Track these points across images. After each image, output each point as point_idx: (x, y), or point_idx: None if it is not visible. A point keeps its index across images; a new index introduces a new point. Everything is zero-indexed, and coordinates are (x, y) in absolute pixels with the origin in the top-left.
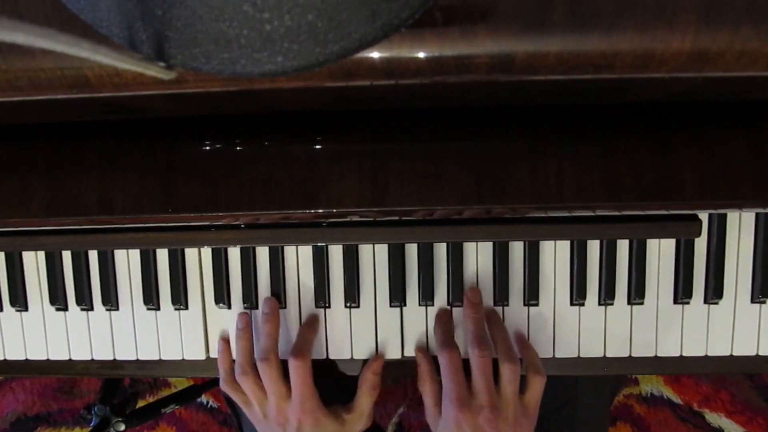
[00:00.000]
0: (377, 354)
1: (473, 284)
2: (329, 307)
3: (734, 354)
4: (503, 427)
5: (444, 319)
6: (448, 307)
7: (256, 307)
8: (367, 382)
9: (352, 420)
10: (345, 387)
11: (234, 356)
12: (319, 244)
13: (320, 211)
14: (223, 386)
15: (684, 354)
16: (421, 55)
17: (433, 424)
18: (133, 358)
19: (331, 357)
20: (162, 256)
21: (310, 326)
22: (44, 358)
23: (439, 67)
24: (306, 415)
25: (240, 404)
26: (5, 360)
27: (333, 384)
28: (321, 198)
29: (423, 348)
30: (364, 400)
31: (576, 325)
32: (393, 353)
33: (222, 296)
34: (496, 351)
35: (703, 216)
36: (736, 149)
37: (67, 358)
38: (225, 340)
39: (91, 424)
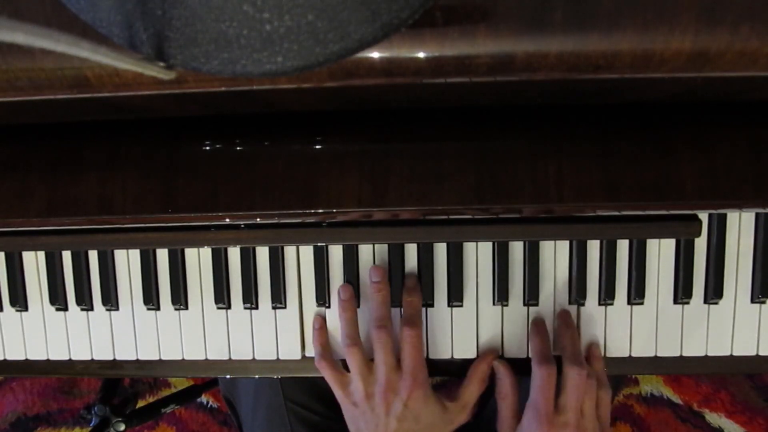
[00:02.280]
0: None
1: (474, 285)
2: (329, 307)
3: (734, 354)
4: None
5: (542, 330)
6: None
7: (257, 308)
8: (479, 373)
9: (455, 409)
10: None
11: (339, 329)
12: (319, 244)
13: (320, 211)
14: (319, 363)
15: (684, 354)
16: (421, 55)
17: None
18: (133, 358)
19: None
20: (162, 256)
21: (415, 293)
22: (44, 358)
23: (439, 67)
24: (417, 388)
25: (334, 384)
26: (5, 360)
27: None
28: (321, 198)
29: (504, 363)
30: (471, 389)
31: (576, 325)
32: None
33: (222, 296)
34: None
35: (703, 216)
36: (736, 149)
37: (67, 358)
38: (321, 317)
39: (91, 424)
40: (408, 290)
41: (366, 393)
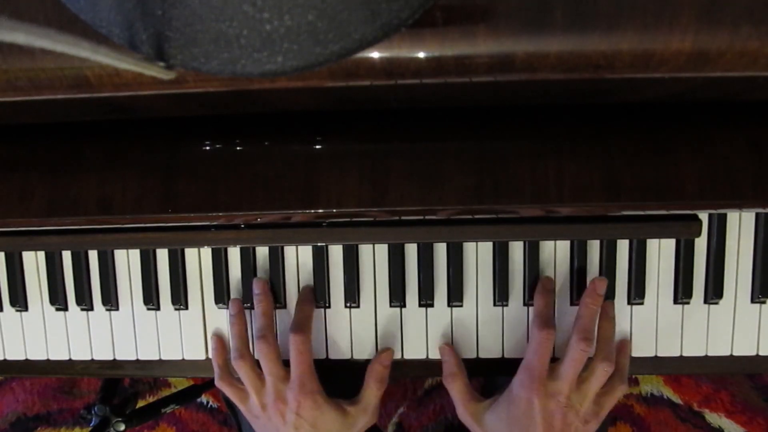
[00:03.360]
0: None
1: (473, 283)
2: (329, 307)
3: (734, 354)
4: (572, 419)
5: (548, 291)
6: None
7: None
8: (374, 374)
9: (356, 413)
10: (344, 389)
11: (230, 346)
12: (319, 244)
13: (320, 211)
14: (218, 382)
15: (684, 354)
16: (421, 55)
17: (470, 418)
18: (133, 358)
19: (331, 357)
20: (162, 256)
21: (307, 300)
22: (44, 358)
23: (439, 67)
24: (306, 397)
25: (236, 401)
26: (5, 360)
27: (333, 387)
28: (321, 198)
29: (447, 344)
30: (371, 392)
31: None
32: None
33: (222, 296)
34: (597, 347)
35: (703, 216)
36: (736, 149)
37: (67, 358)
38: (218, 336)
39: (91, 424)
40: (302, 300)
41: (261, 405)
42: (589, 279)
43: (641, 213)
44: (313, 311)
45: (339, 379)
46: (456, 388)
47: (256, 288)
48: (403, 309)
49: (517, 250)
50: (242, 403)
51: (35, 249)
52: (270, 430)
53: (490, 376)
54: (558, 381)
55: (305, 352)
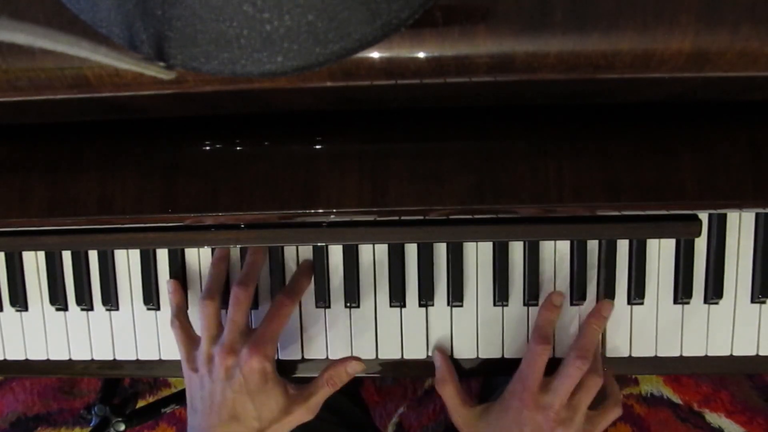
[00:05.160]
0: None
1: (478, 286)
2: (329, 307)
3: (734, 354)
4: None
5: (556, 305)
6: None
7: (257, 308)
8: (336, 377)
9: (298, 403)
10: (345, 388)
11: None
12: (319, 244)
13: (320, 211)
14: (172, 321)
15: (684, 354)
16: (421, 55)
17: (461, 424)
18: (133, 358)
19: (331, 357)
20: (162, 256)
21: (304, 274)
22: (44, 358)
23: (439, 67)
24: (258, 355)
25: (182, 347)
26: (5, 360)
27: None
28: (321, 198)
29: (442, 349)
30: (322, 391)
31: (576, 325)
32: (393, 353)
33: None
34: None
35: (703, 216)
36: (736, 149)
37: (67, 358)
38: (176, 281)
39: (91, 424)
40: (299, 272)
41: (208, 354)
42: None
43: (641, 213)
44: (307, 285)
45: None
46: (447, 394)
47: (216, 254)
48: (403, 309)
49: (517, 250)
50: (188, 350)
51: (35, 249)
52: (204, 386)
53: (490, 376)
54: (549, 394)
55: (284, 316)
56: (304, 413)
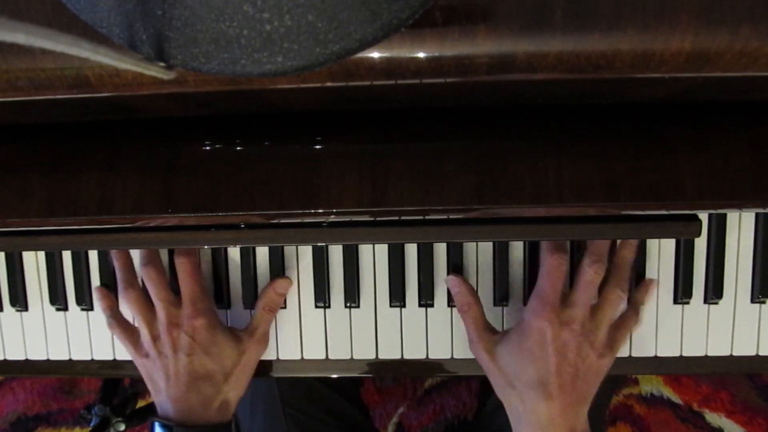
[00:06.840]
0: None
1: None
2: (329, 307)
3: (734, 354)
4: (587, 349)
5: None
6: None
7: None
8: (266, 300)
9: (248, 339)
10: (344, 390)
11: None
12: (319, 244)
13: (320, 211)
14: (110, 326)
15: (684, 354)
16: (421, 55)
17: (482, 350)
18: None
19: (331, 357)
20: (162, 256)
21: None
22: (44, 358)
23: (439, 67)
24: (199, 316)
25: (127, 344)
26: (5, 360)
27: (333, 389)
28: (321, 198)
29: (455, 274)
30: (261, 318)
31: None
32: (393, 353)
33: (222, 297)
34: (612, 272)
35: (703, 216)
36: (736, 149)
37: (67, 358)
38: (101, 286)
39: (91, 424)
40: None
41: (152, 337)
42: None
43: (641, 213)
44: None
45: (339, 381)
46: (471, 317)
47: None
48: (403, 309)
49: (517, 250)
50: (133, 343)
51: (35, 249)
52: (158, 366)
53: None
54: (571, 308)
55: (194, 273)
56: (258, 346)
